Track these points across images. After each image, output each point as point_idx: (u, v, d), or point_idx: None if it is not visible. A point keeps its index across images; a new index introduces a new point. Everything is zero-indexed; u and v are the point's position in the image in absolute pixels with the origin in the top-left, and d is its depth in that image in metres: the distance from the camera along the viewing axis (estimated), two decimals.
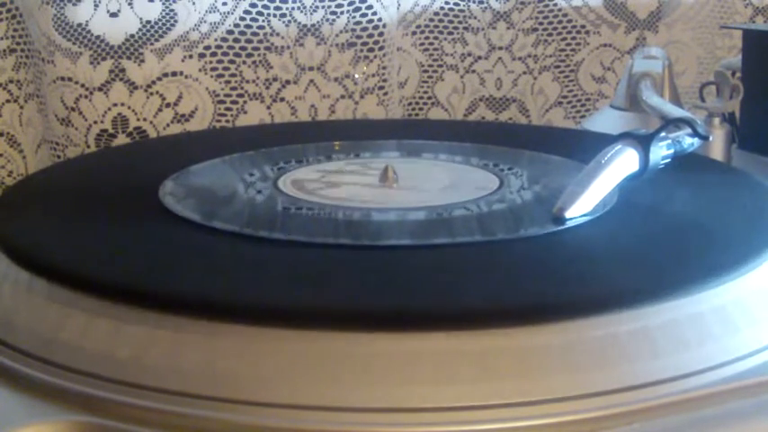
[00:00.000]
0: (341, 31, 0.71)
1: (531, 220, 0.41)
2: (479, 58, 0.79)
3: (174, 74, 0.68)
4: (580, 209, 0.39)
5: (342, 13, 0.71)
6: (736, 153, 0.57)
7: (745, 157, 0.57)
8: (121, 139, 0.68)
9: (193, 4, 0.67)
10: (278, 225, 0.41)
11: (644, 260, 0.36)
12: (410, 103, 0.79)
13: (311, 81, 0.71)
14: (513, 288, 0.33)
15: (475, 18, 0.78)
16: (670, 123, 0.46)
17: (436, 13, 0.78)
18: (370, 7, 0.71)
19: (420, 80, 0.79)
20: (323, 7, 0.70)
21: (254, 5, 0.69)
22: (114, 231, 0.39)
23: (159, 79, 0.68)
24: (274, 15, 0.70)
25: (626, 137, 0.42)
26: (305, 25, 0.70)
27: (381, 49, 0.72)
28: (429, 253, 0.37)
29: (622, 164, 0.41)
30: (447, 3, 0.78)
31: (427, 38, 0.78)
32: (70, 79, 0.66)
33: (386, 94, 0.73)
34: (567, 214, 0.39)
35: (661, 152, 0.43)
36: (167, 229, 0.39)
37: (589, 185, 0.40)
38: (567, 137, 0.60)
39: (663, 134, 0.43)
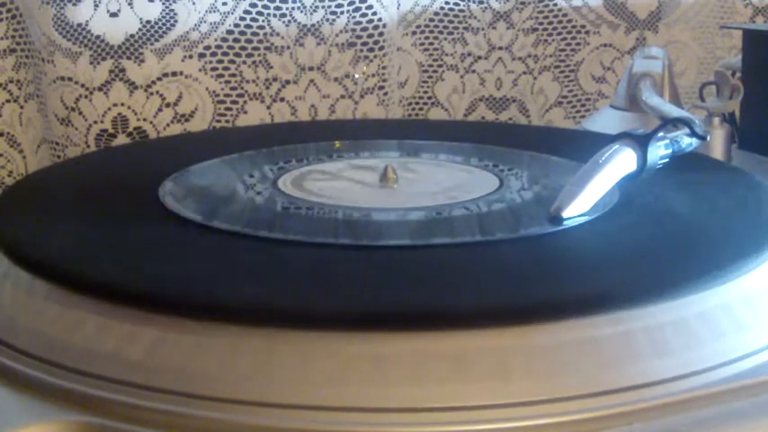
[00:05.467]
0: (341, 31, 0.71)
1: (532, 220, 0.41)
2: (479, 58, 0.79)
3: (174, 74, 0.68)
4: (577, 209, 0.39)
5: (342, 13, 0.71)
6: (736, 153, 0.57)
7: (745, 157, 0.57)
8: (121, 139, 0.68)
9: (193, 4, 0.67)
10: (278, 225, 0.41)
11: (644, 260, 0.36)
12: (410, 103, 0.79)
13: (311, 81, 0.71)
14: (513, 288, 0.33)
15: (475, 18, 0.78)
16: (668, 123, 0.46)
17: (436, 13, 0.78)
18: (370, 7, 0.71)
19: (420, 80, 0.79)
20: (323, 7, 0.70)
21: (254, 5, 0.69)
22: (114, 231, 0.39)
23: (159, 79, 0.68)
24: (274, 15, 0.70)
25: (624, 136, 0.42)
26: (305, 25, 0.70)
27: (381, 49, 0.72)
28: (429, 253, 0.37)
29: (620, 163, 0.41)
30: (447, 3, 0.78)
31: (427, 38, 0.78)
32: (70, 79, 0.66)
33: (386, 94, 0.73)
34: (565, 214, 0.39)
35: (659, 152, 0.43)
36: (167, 229, 0.39)
37: (586, 185, 0.40)
38: (567, 137, 0.60)
39: (661, 134, 0.43)
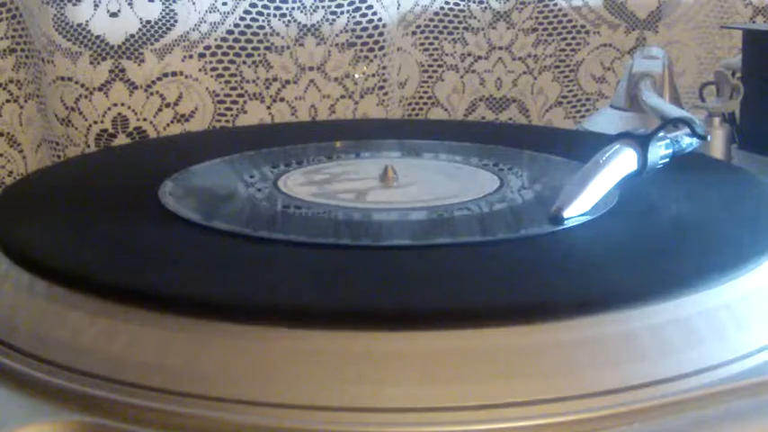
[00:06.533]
0: (341, 31, 0.71)
1: (532, 221, 0.41)
2: (479, 58, 0.79)
3: (174, 74, 0.68)
4: (578, 209, 0.39)
5: (342, 13, 0.71)
6: (736, 153, 0.57)
7: (745, 157, 0.57)
8: (121, 139, 0.68)
9: (193, 4, 0.67)
10: (278, 225, 0.41)
11: (644, 260, 0.36)
12: (410, 103, 0.79)
13: (311, 81, 0.71)
14: (514, 288, 0.33)
15: (475, 18, 0.78)
16: (669, 123, 0.46)
17: (436, 13, 0.78)
18: (370, 7, 0.71)
19: (420, 80, 0.79)
20: (323, 7, 0.70)
21: (254, 5, 0.69)
22: (114, 231, 0.39)
23: (159, 79, 0.68)
24: (274, 15, 0.70)
25: (624, 136, 0.43)
26: (305, 25, 0.70)
27: (381, 49, 0.72)
28: (429, 253, 0.37)
29: (620, 164, 0.41)
30: (447, 3, 0.78)
31: (427, 38, 0.78)
32: (70, 79, 0.66)
33: (386, 94, 0.73)
34: (565, 214, 0.39)
35: (659, 152, 0.43)
36: (167, 229, 0.39)
37: (587, 185, 0.40)
38: (567, 137, 0.60)
39: (661, 134, 0.43)
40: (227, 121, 0.70)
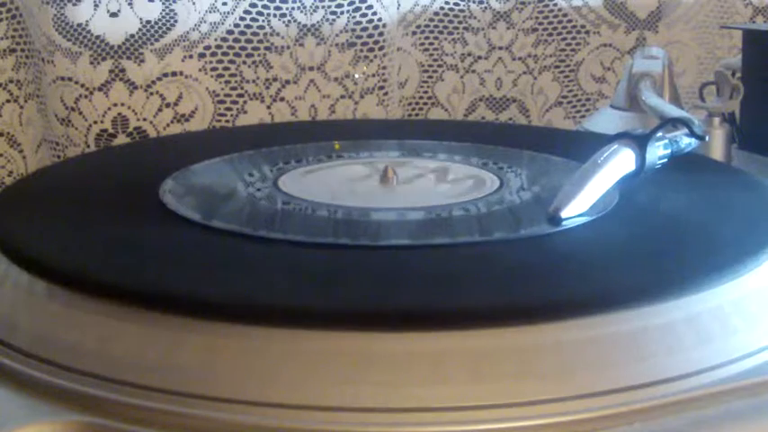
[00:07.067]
0: (341, 31, 0.71)
1: (531, 221, 0.41)
2: (479, 58, 0.79)
3: (174, 74, 0.68)
4: (576, 209, 0.39)
5: (342, 13, 0.71)
6: (736, 153, 0.57)
7: (745, 158, 0.57)
8: (121, 139, 0.68)
9: (193, 4, 0.67)
10: (277, 224, 0.41)
11: (644, 260, 0.36)
12: (410, 104, 0.79)
13: (311, 81, 0.71)
14: (513, 288, 0.33)
15: (475, 18, 0.78)
16: (667, 123, 0.46)
17: (436, 13, 0.78)
18: (370, 7, 0.71)
19: (420, 80, 0.79)
20: (323, 7, 0.70)
21: (254, 5, 0.69)
22: (114, 231, 0.39)
23: (159, 79, 0.68)
24: (274, 15, 0.70)
25: (623, 136, 0.43)
26: (305, 25, 0.70)
27: (381, 49, 0.72)
28: (428, 253, 0.37)
29: (619, 164, 0.41)
30: (447, 3, 0.78)
31: (427, 38, 0.78)
32: (70, 79, 0.66)
33: (386, 94, 0.73)
34: (563, 214, 0.39)
35: (658, 152, 0.43)
36: (167, 228, 0.39)
37: (585, 185, 0.40)
38: (567, 137, 0.60)
39: (660, 134, 0.43)
40: (227, 121, 0.70)
